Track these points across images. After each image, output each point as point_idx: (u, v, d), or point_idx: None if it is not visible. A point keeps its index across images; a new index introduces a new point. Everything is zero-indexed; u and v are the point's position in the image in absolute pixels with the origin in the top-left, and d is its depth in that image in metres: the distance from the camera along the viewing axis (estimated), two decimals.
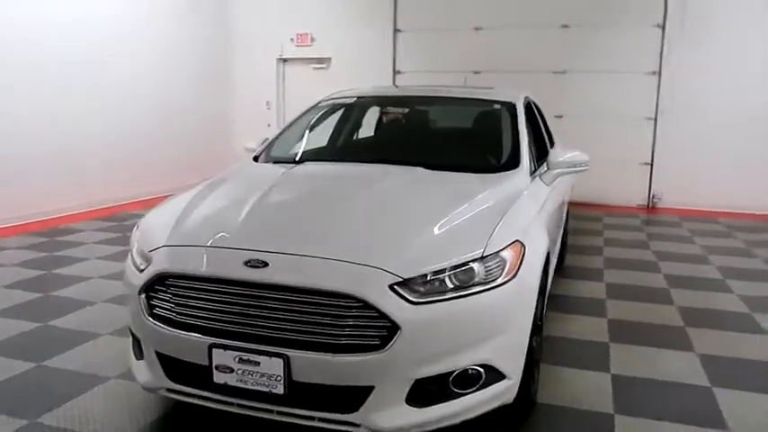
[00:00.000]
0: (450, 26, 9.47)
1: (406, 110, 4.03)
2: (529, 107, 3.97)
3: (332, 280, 2.16)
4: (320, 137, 3.95)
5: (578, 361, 3.42)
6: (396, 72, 9.85)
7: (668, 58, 8.59)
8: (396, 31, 9.73)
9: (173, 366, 2.41)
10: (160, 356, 2.43)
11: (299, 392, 2.19)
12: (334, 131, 4.07)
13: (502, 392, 2.35)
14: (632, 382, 3.17)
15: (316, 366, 2.15)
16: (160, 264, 2.39)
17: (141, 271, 2.47)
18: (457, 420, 2.27)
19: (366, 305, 2.11)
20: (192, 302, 2.31)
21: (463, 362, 2.22)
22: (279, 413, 2.27)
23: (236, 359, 2.22)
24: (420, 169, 3.12)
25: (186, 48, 9.56)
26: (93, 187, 7.82)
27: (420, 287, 2.17)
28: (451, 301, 2.18)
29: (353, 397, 2.18)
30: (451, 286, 2.21)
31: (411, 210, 2.62)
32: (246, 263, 2.25)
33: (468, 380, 2.25)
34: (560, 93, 8.99)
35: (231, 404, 2.33)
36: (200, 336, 2.28)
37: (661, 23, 8.61)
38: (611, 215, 8.15)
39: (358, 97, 4.10)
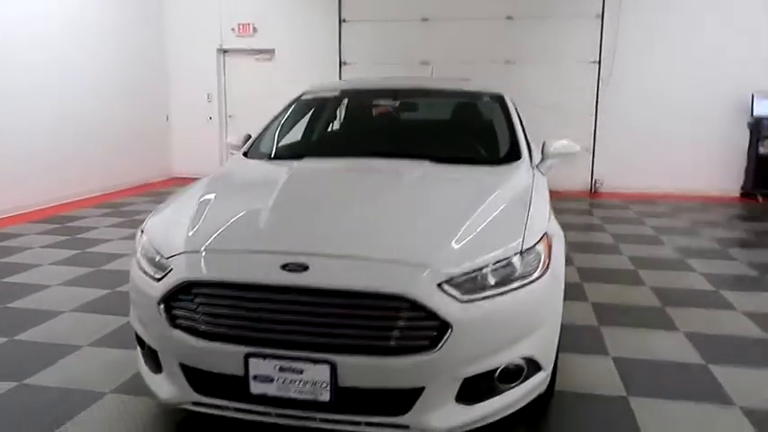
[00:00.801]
0: (397, 17, 9.43)
1: (396, 102, 3.97)
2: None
3: (379, 281, 2.09)
4: (310, 131, 3.83)
5: (576, 346, 3.48)
6: (342, 63, 9.72)
7: (607, 47, 8.92)
8: (341, 21, 9.60)
9: (200, 379, 2.26)
10: (185, 369, 2.28)
11: (346, 398, 2.11)
12: (322, 126, 3.96)
13: (538, 384, 2.36)
14: (633, 364, 3.26)
15: (365, 371, 2.08)
16: (184, 271, 2.23)
17: (158, 279, 2.30)
18: (501, 416, 2.26)
19: (415, 305, 2.05)
20: (223, 311, 2.18)
21: (508, 357, 2.20)
22: (322, 420, 2.17)
23: (277, 368, 2.11)
24: (427, 162, 3.08)
25: (117, 39, 9.02)
26: (21, 190, 7.24)
27: (466, 284, 2.13)
28: (497, 298, 2.15)
29: (403, 399, 2.12)
30: (493, 282, 2.18)
31: (438, 205, 2.58)
32: (284, 267, 2.14)
33: (512, 374, 2.24)
34: (506, 83, 9.11)
35: (269, 414, 2.21)
36: (234, 345, 2.15)
37: (600, 14, 8.92)
38: (557, 200, 8.38)
39: (342, 90, 4.00)
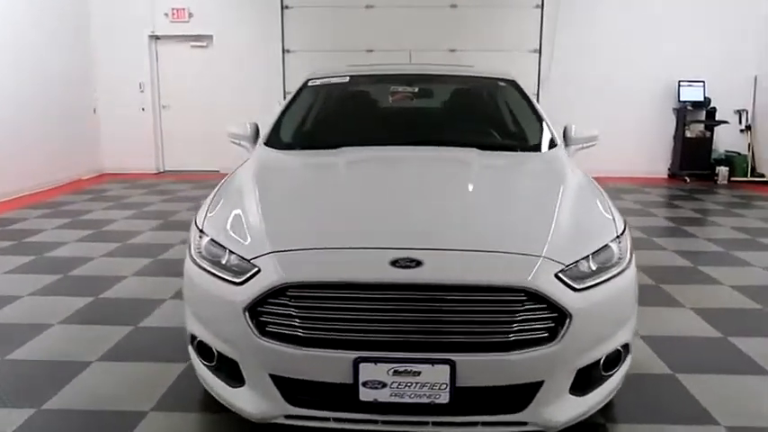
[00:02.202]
0: (341, 3, 9.25)
1: (416, 89, 3.85)
2: None
3: (498, 274, 2.01)
4: (333, 119, 3.64)
5: None
6: (285, 51, 9.42)
7: (547, 36, 9.21)
8: (284, 7, 9.29)
9: (295, 390, 2.09)
10: (276, 380, 2.09)
11: (464, 398, 2.02)
12: (343, 113, 3.77)
13: (626, 368, 2.37)
14: (661, 342, 3.37)
15: (485, 368, 2.00)
16: (279, 273, 2.04)
17: (239, 283, 2.10)
18: (605, 403, 2.25)
19: (534, 297, 1.99)
20: (327, 314, 2.02)
21: (613, 344, 2.20)
22: (435, 424, 2.07)
23: (391, 372, 1.98)
24: (476, 150, 3.01)
25: (33, 23, 8.23)
26: None
27: (577, 273, 2.10)
28: (604, 285, 2.14)
29: (521, 395, 2.06)
30: (594, 269, 2.16)
31: (520, 194, 2.53)
32: (394, 263, 2.01)
33: (613, 361, 2.24)
34: None
35: (375, 422, 2.08)
36: (340, 351, 2.00)
37: (540, 4, 9.17)
38: None
39: (351, 76, 3.84)
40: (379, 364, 1.98)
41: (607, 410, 2.56)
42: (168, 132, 9.83)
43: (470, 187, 2.51)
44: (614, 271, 2.19)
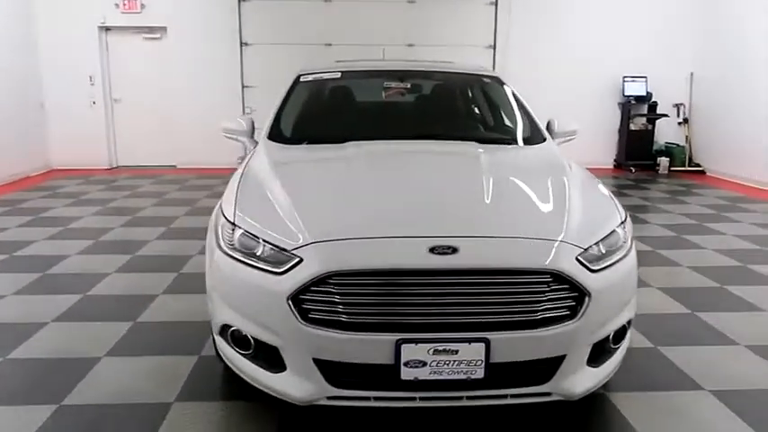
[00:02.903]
0: None
1: (408, 84, 3.98)
2: None
3: (528, 258, 2.19)
4: (331, 115, 3.73)
5: None
6: (243, 44, 9.34)
7: (501, 33, 9.52)
8: None
9: (337, 372, 2.21)
10: (319, 363, 2.21)
11: (497, 373, 2.19)
12: (342, 108, 3.87)
13: (628, 342, 2.61)
14: (639, 319, 3.61)
15: (516, 345, 2.18)
16: (323, 262, 2.14)
17: (280, 273, 2.19)
18: (614, 373, 2.48)
19: (559, 278, 2.18)
20: (367, 299, 2.14)
21: (621, 320, 2.42)
22: (469, 398, 2.24)
23: (431, 351, 2.13)
24: (475, 144, 3.19)
25: None
26: None
27: (591, 256, 2.30)
28: (614, 266, 2.35)
29: (547, 368, 2.25)
30: (603, 252, 2.37)
31: (530, 184, 2.72)
32: (432, 250, 2.15)
33: (619, 335, 2.46)
34: None
35: (413, 399, 2.23)
36: (383, 334, 2.13)
37: (494, 2, 9.46)
38: None
39: (343, 72, 3.94)
40: (419, 345, 2.13)
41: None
42: (121, 126, 9.59)
43: (485, 178, 2.68)
44: (621, 254, 2.41)
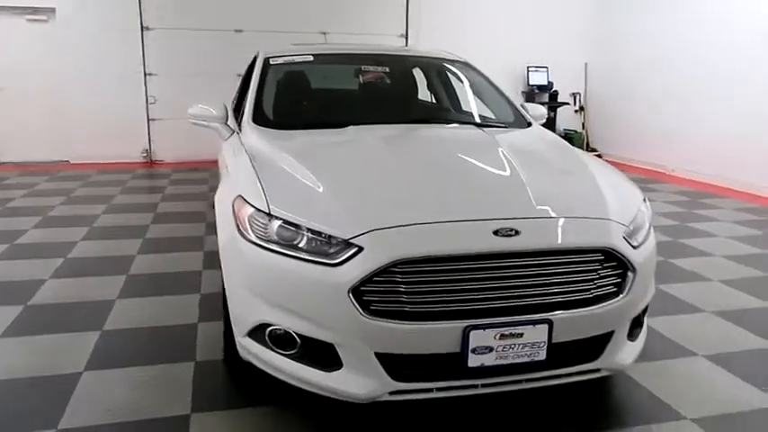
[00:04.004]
0: None
1: (387, 68, 3.85)
2: None
3: (585, 236, 2.22)
4: (316, 98, 3.53)
5: None
6: (144, 28, 8.67)
7: (413, 22, 9.61)
8: None
9: (398, 365, 2.11)
10: (380, 357, 2.09)
11: (557, 353, 2.20)
12: (322, 92, 3.67)
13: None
14: None
15: (575, 324, 2.19)
16: (388, 250, 2.02)
17: (336, 265, 2.05)
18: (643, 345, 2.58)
19: (609, 255, 2.23)
20: (431, 287, 2.06)
21: (650, 294, 2.52)
22: (528, 381, 2.22)
23: (497, 336, 2.10)
24: (473, 127, 3.18)
25: None
26: None
27: (629, 232, 2.36)
28: (646, 242, 2.43)
29: (597, 345, 2.29)
30: (632, 229, 2.44)
31: (555, 165, 2.74)
32: (495, 232, 2.11)
33: (645, 311, 2.56)
34: None
35: (475, 387, 2.18)
36: (451, 321, 2.06)
37: None
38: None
39: (315, 55, 3.75)
40: (487, 330, 2.08)
41: None
42: (4, 118, 8.56)
43: (513, 160, 2.66)
44: (647, 230, 2.50)
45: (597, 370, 2.33)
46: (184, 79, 8.94)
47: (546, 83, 10.12)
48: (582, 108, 10.51)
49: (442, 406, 2.49)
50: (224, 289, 2.50)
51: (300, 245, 2.15)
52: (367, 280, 2.03)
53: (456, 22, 9.72)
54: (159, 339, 3.12)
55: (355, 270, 2.03)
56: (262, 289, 2.22)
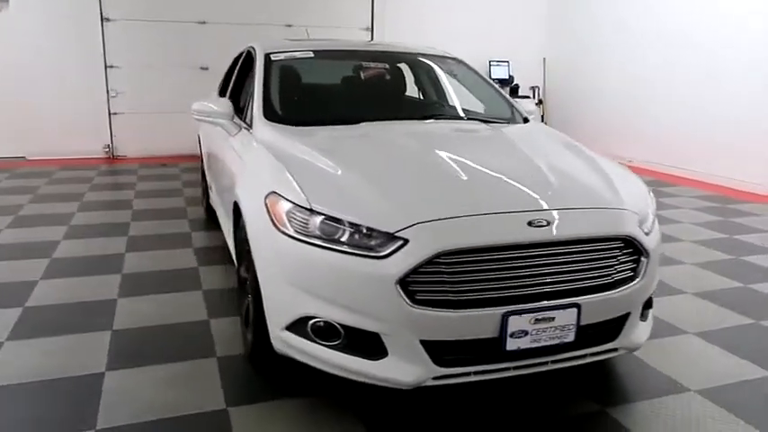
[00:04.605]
0: None
1: (387, 65, 3.91)
2: None
3: (609, 225, 2.38)
4: (322, 94, 3.56)
5: None
6: (104, 19, 8.43)
7: (378, 15, 9.68)
8: None
9: (442, 351, 2.22)
10: (425, 344, 2.20)
11: (583, 335, 2.35)
12: (328, 88, 3.71)
13: None
14: None
15: (599, 307, 2.35)
16: (435, 242, 2.13)
17: (383, 257, 2.14)
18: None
19: (627, 242, 2.40)
20: (473, 276, 2.18)
21: (658, 278, 2.71)
22: (554, 362, 2.37)
23: (532, 320, 2.23)
24: (479, 123, 3.30)
25: None
26: None
27: (640, 220, 2.54)
28: (654, 230, 2.62)
29: (615, 326, 2.46)
30: (642, 218, 2.61)
31: (566, 158, 2.89)
32: (529, 223, 2.24)
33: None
34: None
35: (507, 369, 2.31)
36: (491, 308, 2.18)
37: None
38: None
39: (315, 51, 3.79)
40: (523, 315, 2.22)
41: None
42: None
43: (527, 153, 2.80)
44: (654, 219, 2.69)
45: (615, 349, 2.50)
46: (147, 72, 8.76)
47: (507, 77, 10.38)
48: (541, 101, 10.83)
49: (462, 388, 2.62)
50: (254, 285, 2.54)
51: (342, 239, 2.23)
52: (413, 271, 2.12)
53: (420, 16, 9.86)
54: (174, 337, 3.12)
55: (402, 262, 2.12)
56: (304, 283, 2.28)
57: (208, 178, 4.94)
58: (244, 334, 2.95)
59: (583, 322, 2.32)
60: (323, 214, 2.27)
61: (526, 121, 3.65)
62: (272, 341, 2.48)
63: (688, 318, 3.46)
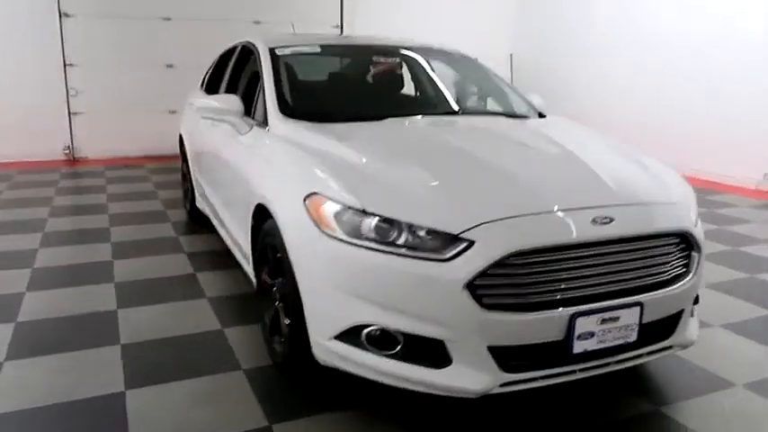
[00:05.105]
0: None
1: (397, 60, 3.76)
2: None
3: (668, 221, 2.32)
4: (338, 90, 3.39)
5: None
6: (62, 15, 7.97)
7: (347, 12, 9.52)
8: None
9: (508, 357, 2.11)
10: (492, 350, 2.08)
11: (645, 333, 2.28)
12: (344, 84, 3.53)
13: None
14: None
15: (659, 305, 2.28)
16: (504, 243, 2.01)
17: (447, 260, 2.02)
18: None
19: (683, 238, 2.35)
20: (539, 277, 2.07)
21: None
22: (617, 362, 2.29)
23: (599, 321, 2.15)
24: (504, 118, 3.22)
25: None
26: None
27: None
28: (699, 224, 2.57)
29: (670, 323, 2.40)
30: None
31: (608, 152, 2.82)
32: (593, 221, 2.15)
33: None
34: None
35: (573, 373, 2.22)
36: (557, 310, 2.09)
37: None
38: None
39: (322, 46, 3.62)
40: (590, 316, 2.13)
41: None
42: None
43: (567, 147, 2.72)
44: (697, 212, 2.65)
45: (670, 347, 2.45)
46: (109, 70, 8.35)
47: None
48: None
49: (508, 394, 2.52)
50: (290, 292, 2.37)
51: (399, 241, 2.09)
52: (481, 274, 2.00)
53: (389, 13, 9.75)
54: (190, 350, 2.91)
55: (469, 265, 2.00)
56: (357, 289, 2.13)
57: (196, 179, 4.69)
58: (268, 344, 2.77)
59: (644, 321, 2.25)
60: (378, 215, 2.12)
61: (541, 115, 3.58)
62: (315, 351, 2.32)
63: (710, 311, 3.45)
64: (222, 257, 4.22)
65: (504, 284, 2.04)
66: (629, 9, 8.50)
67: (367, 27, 9.57)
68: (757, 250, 4.65)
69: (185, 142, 5.03)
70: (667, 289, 2.30)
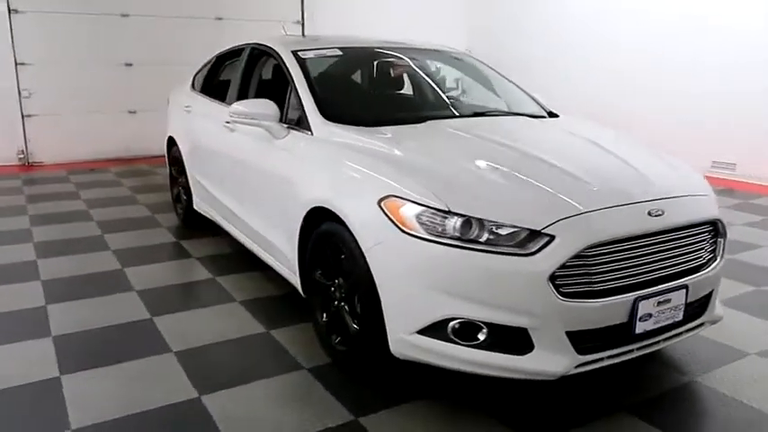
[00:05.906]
0: None
1: (410, 61, 3.88)
2: None
3: (707, 210, 2.61)
4: (375, 95, 3.49)
5: None
6: (11, 11, 7.62)
7: (309, 8, 9.54)
8: None
9: (581, 340, 2.32)
10: (569, 335, 2.29)
11: (688, 313, 2.55)
12: (375, 87, 3.64)
13: None
14: None
15: (699, 286, 2.56)
16: (582, 237, 2.22)
17: (532, 254, 2.21)
18: None
19: (714, 225, 2.64)
20: (609, 266, 2.30)
21: None
22: (664, 340, 2.55)
23: (656, 303, 2.40)
24: (526, 118, 3.44)
25: None
26: None
27: None
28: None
29: (703, 303, 2.69)
30: None
31: (634, 148, 3.07)
32: (649, 213, 2.40)
33: None
34: (218, 41, 8.73)
35: (631, 352, 2.46)
36: (624, 295, 2.32)
37: None
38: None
39: (341, 48, 3.70)
40: (649, 299, 2.38)
41: None
42: None
43: (606, 146, 2.95)
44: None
45: (701, 324, 2.74)
46: (64, 69, 8.07)
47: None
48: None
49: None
50: (364, 291, 2.50)
51: (482, 238, 2.25)
52: (562, 266, 2.20)
53: (348, 10, 9.81)
54: (246, 354, 2.97)
55: (551, 258, 2.20)
56: (443, 285, 2.28)
57: (196, 182, 4.64)
58: (325, 342, 2.88)
59: (688, 301, 2.52)
60: (462, 215, 2.28)
61: (551, 114, 3.81)
62: (392, 346, 2.46)
63: None
64: (234, 261, 4.26)
65: (578, 274, 2.25)
66: (577, 11, 8.95)
67: (325, 24, 9.61)
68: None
69: (179, 144, 4.96)
70: (704, 272, 2.58)
